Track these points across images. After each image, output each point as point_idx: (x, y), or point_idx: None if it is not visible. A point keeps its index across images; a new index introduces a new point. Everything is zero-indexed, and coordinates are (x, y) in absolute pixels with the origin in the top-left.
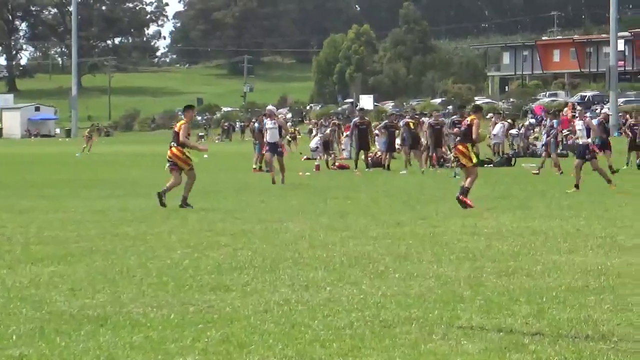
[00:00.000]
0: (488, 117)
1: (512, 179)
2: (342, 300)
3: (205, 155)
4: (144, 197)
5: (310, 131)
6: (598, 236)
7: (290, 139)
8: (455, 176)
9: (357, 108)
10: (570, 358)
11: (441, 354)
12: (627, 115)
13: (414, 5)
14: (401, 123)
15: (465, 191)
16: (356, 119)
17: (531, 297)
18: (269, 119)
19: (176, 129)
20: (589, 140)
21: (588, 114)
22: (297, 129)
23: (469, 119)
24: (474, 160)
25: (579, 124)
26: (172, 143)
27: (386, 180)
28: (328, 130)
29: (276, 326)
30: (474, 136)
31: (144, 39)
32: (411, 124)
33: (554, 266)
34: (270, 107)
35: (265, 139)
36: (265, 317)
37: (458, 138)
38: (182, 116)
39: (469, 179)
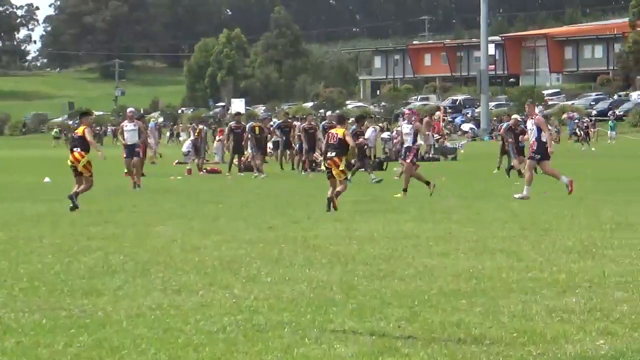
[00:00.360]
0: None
1: (384, 182)
2: (214, 304)
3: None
4: (10, 201)
5: (177, 135)
6: (469, 240)
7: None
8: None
9: (234, 112)
10: None
11: (314, 358)
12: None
13: (285, 9)
14: (247, 127)
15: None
16: (232, 123)
17: (403, 301)
18: (128, 120)
19: (79, 134)
20: (420, 143)
21: (426, 119)
22: (171, 132)
23: (335, 130)
24: (346, 173)
25: (406, 128)
26: (76, 148)
27: (258, 184)
28: (197, 134)
29: (149, 331)
30: (350, 149)
31: (15, 42)
32: (256, 129)
33: (425, 270)
34: (130, 109)
35: (123, 142)
36: (138, 321)
37: (333, 152)
38: (79, 122)
39: (338, 189)
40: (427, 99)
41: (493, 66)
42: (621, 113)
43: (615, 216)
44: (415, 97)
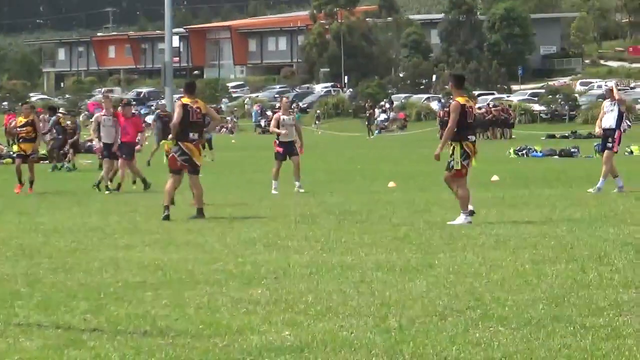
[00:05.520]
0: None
1: (70, 175)
2: None
3: None
4: None
5: None
6: (155, 232)
7: None
8: None
9: None
10: (128, 354)
11: None
12: None
13: None
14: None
15: None
16: None
17: (89, 294)
18: None
19: None
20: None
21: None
22: None
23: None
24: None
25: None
26: None
27: None
28: None
29: None
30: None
31: None
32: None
33: (111, 262)
34: None
35: None
36: None
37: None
38: None
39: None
40: (111, 91)
41: (177, 58)
42: (305, 105)
43: (298, 208)
44: (100, 89)
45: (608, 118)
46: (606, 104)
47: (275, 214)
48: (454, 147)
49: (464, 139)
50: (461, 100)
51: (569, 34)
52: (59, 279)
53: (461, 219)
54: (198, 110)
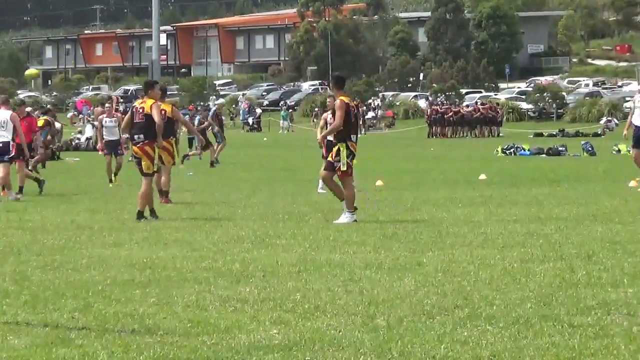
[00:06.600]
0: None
1: (57, 172)
2: None
3: None
4: None
5: None
6: (143, 230)
7: None
8: None
9: None
10: (117, 352)
11: None
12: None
13: None
14: None
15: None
16: None
17: (77, 292)
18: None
19: None
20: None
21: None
22: None
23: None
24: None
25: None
26: None
27: None
28: None
29: None
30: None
31: None
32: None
33: (99, 260)
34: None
35: None
36: None
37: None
38: None
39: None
40: (98, 89)
41: (165, 56)
42: (292, 103)
43: (287, 206)
44: (87, 87)
45: (637, 116)
46: (637, 99)
47: (263, 212)
48: (339, 148)
49: (348, 139)
50: (345, 99)
51: (556, 32)
52: (47, 277)
53: (347, 217)
54: (141, 110)
